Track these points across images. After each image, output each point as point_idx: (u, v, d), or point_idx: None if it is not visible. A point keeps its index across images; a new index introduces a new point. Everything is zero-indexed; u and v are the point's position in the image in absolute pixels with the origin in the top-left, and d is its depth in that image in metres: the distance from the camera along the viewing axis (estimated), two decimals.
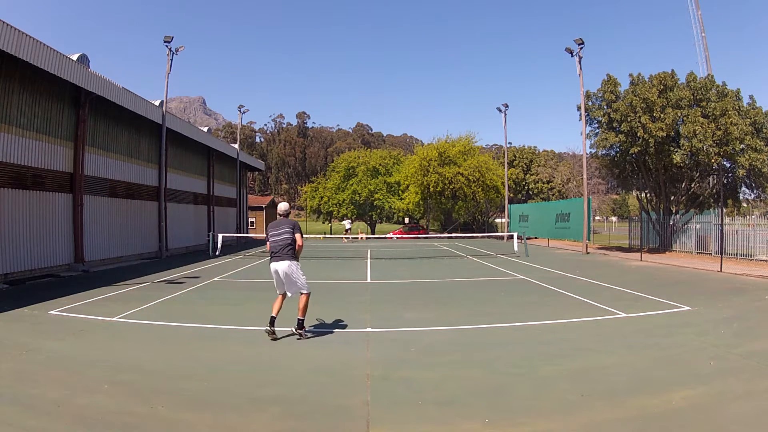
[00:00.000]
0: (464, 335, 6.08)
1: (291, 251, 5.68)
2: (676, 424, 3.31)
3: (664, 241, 20.05)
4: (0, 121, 11.35)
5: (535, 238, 27.00)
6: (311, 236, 29.56)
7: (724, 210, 17.68)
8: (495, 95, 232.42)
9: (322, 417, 3.51)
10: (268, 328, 5.63)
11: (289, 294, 5.74)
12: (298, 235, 5.75)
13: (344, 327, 6.40)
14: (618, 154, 20.08)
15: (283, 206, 6.14)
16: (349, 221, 36.87)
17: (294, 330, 5.70)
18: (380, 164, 43.63)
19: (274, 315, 5.66)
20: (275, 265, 5.67)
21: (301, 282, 5.68)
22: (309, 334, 5.80)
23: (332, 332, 6.17)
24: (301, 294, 5.67)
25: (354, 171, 43.93)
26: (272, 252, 5.73)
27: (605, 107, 19.51)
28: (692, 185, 19.38)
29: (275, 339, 5.59)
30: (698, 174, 18.94)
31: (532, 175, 43.08)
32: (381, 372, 4.50)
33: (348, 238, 31.27)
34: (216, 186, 27.54)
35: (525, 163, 44.06)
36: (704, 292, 9.29)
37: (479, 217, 43.42)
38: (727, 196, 18.52)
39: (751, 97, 18.39)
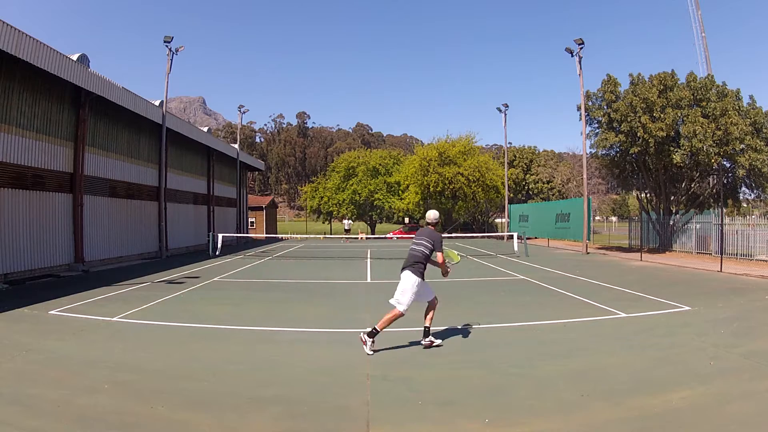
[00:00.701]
0: (464, 335, 6.07)
1: (420, 267, 5.24)
2: (676, 424, 3.31)
3: (664, 241, 20.05)
4: (0, 121, 11.35)
5: (535, 238, 27.00)
6: (311, 236, 29.60)
7: (724, 210, 17.68)
8: (495, 95, 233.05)
9: (322, 417, 3.51)
10: (426, 341, 5.32)
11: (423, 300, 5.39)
12: (439, 254, 5.29)
13: (344, 327, 6.40)
14: (618, 154, 20.09)
15: (432, 214, 5.62)
16: (349, 221, 36.85)
17: (362, 335, 5.14)
18: (380, 164, 43.63)
19: (427, 325, 5.35)
20: (401, 273, 5.30)
21: (405, 299, 5.16)
22: (370, 344, 5.12)
23: (332, 332, 6.17)
24: (395, 308, 5.18)
25: (354, 171, 43.93)
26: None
27: (605, 107, 19.52)
28: (692, 185, 19.38)
29: (430, 347, 5.32)
30: (698, 174, 18.94)
31: (532, 175, 43.09)
32: (381, 372, 4.50)
33: (348, 238, 31.23)
34: (216, 186, 27.54)
35: (525, 163, 44.06)
36: (704, 292, 9.29)
37: (479, 217, 43.43)
38: (727, 196, 18.52)
39: (751, 97, 18.42)
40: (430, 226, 5.56)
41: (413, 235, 6.26)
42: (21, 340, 5.58)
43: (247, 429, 3.32)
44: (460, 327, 6.45)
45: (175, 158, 21.98)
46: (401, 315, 5.18)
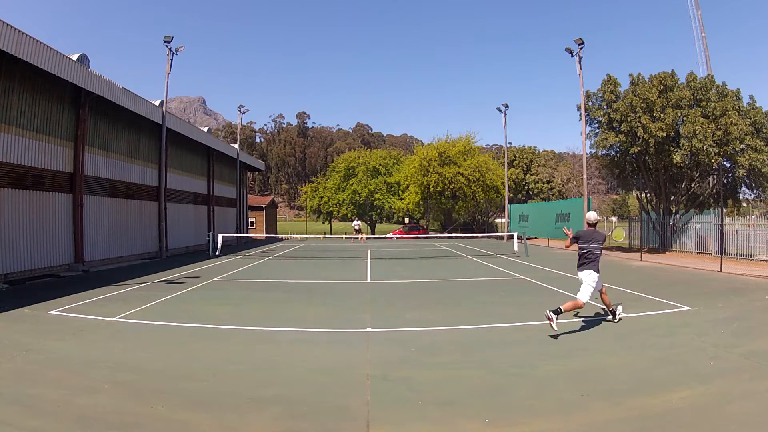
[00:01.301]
0: (464, 335, 6.07)
1: (598, 264, 6.26)
2: (676, 424, 3.31)
3: (664, 241, 20.05)
4: (0, 121, 11.35)
5: (535, 238, 27.00)
6: (311, 236, 29.59)
7: (724, 210, 17.67)
8: (495, 95, 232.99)
9: (322, 417, 3.51)
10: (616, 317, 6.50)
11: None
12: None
13: (344, 327, 6.40)
14: (618, 154, 20.08)
15: (592, 216, 6.52)
16: (358, 222, 36.72)
17: (549, 313, 5.75)
18: (380, 164, 43.64)
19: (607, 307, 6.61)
20: (582, 273, 6.26)
21: (586, 292, 6.10)
22: (556, 318, 5.75)
23: (332, 332, 6.17)
24: (578, 297, 6.11)
25: (354, 171, 43.95)
26: (583, 259, 6.28)
27: (605, 107, 19.51)
28: (692, 185, 19.38)
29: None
30: (698, 174, 18.94)
31: (532, 175, 43.09)
32: (381, 372, 4.50)
33: (356, 238, 30.96)
34: (216, 186, 27.54)
35: (525, 163, 44.07)
36: (704, 292, 9.28)
37: (479, 217, 43.43)
38: (727, 196, 18.52)
39: (751, 97, 18.40)
40: (593, 228, 6.46)
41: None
42: (21, 340, 5.58)
43: (247, 429, 3.32)
44: (460, 327, 6.45)
45: (175, 158, 21.98)
46: (581, 304, 6.07)
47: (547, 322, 5.68)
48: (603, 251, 6.81)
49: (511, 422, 3.40)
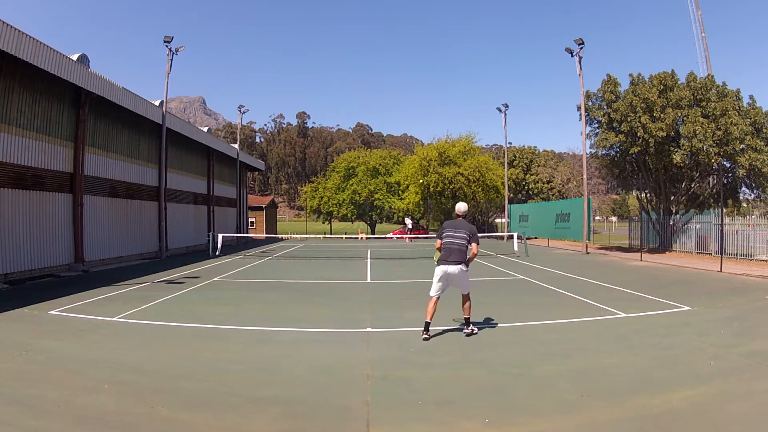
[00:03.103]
0: (464, 335, 6.07)
1: (464, 256, 5.70)
2: (676, 424, 3.31)
3: (664, 241, 20.05)
4: (0, 121, 11.35)
5: (535, 238, 27.00)
6: (311, 236, 29.59)
7: (724, 210, 17.67)
8: (495, 95, 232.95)
9: (322, 417, 3.51)
10: (426, 335, 5.63)
11: (457, 287, 5.82)
12: (474, 245, 5.72)
13: (344, 327, 6.40)
14: (618, 154, 20.08)
15: (462, 206, 5.99)
16: (411, 220, 36.16)
17: (466, 329, 5.85)
18: (380, 164, 43.64)
19: (429, 320, 5.66)
20: (446, 268, 5.64)
21: (468, 284, 5.81)
22: (476, 329, 5.94)
23: (332, 332, 6.17)
24: (464, 294, 5.84)
25: (354, 171, 43.95)
26: (444, 253, 5.68)
27: (605, 107, 19.51)
28: (692, 185, 19.38)
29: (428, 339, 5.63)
30: (698, 174, 18.94)
31: (532, 175, 43.06)
32: (381, 372, 4.50)
33: (409, 237, 30.51)
34: (216, 186, 27.53)
35: (525, 163, 44.03)
36: (704, 292, 9.28)
37: (479, 217, 43.40)
38: (727, 196, 18.52)
39: (751, 97, 18.43)
40: (461, 218, 5.89)
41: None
42: (21, 340, 5.58)
43: (247, 429, 3.32)
44: (460, 327, 6.45)
45: (175, 158, 21.98)
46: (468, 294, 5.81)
47: (475, 331, 5.80)
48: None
49: (511, 422, 3.40)
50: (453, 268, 5.60)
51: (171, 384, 4.19)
